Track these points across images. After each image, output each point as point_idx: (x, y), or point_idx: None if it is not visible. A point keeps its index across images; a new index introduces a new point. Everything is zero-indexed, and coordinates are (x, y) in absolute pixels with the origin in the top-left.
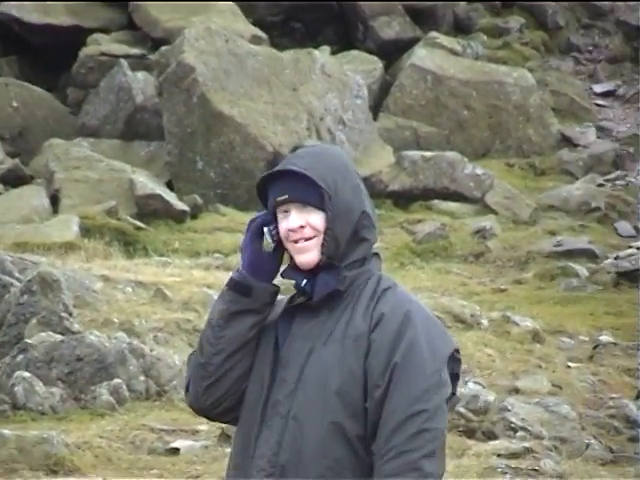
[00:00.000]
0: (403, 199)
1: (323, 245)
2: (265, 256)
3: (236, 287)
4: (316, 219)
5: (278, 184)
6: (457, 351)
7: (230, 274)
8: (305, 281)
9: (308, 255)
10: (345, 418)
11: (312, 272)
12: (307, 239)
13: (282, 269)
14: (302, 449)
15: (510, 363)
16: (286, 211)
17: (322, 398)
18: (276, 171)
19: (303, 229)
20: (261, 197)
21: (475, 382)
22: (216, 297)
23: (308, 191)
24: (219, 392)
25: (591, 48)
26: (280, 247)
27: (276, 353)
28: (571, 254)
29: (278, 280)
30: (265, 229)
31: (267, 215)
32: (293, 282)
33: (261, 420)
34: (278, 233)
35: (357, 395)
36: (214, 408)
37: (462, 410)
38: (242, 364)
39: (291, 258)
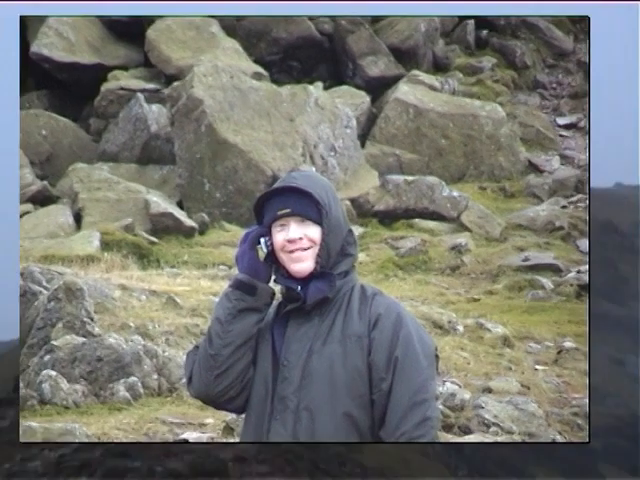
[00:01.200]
0: (387, 218)
1: (319, 255)
2: (261, 263)
3: (241, 286)
4: (313, 232)
5: (279, 199)
6: (436, 349)
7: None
8: (299, 287)
9: (304, 264)
10: (354, 409)
11: (303, 280)
12: (304, 249)
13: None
14: (317, 438)
15: (483, 365)
16: (283, 225)
17: (331, 392)
18: (278, 187)
19: (301, 240)
20: (257, 212)
21: (452, 382)
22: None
23: (308, 207)
24: (226, 381)
25: (555, 85)
26: (271, 257)
27: (274, 354)
28: (537, 268)
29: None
30: (262, 239)
31: (263, 228)
32: (282, 289)
33: (270, 413)
34: (272, 244)
35: (363, 388)
36: (221, 396)
37: (440, 407)
38: (246, 357)
39: (280, 268)
